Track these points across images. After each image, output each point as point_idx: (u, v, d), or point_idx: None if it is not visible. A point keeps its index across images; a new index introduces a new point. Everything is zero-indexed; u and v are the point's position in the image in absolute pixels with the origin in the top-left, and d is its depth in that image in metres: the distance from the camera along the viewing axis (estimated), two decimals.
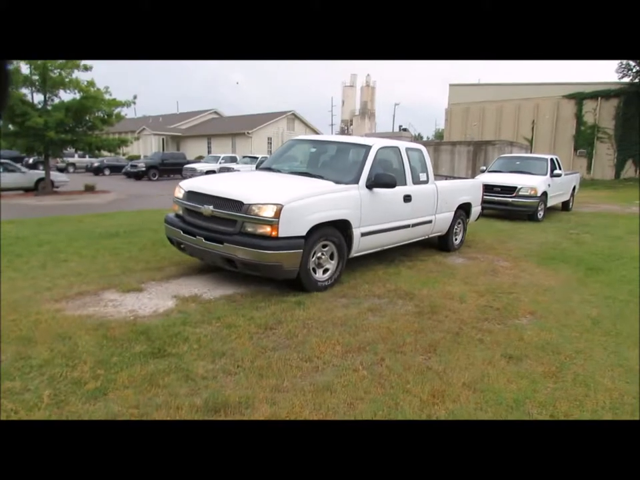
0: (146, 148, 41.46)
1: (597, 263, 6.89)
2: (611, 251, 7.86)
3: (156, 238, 7.27)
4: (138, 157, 36.22)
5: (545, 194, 11.42)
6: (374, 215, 5.51)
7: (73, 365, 3.04)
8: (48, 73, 15.57)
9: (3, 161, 18.13)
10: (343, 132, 59.99)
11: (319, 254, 4.95)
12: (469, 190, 7.96)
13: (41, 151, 17.01)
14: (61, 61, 15.67)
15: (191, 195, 5.13)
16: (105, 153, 20.50)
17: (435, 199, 6.77)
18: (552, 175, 12.01)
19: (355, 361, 3.35)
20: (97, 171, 31.14)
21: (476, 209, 8.11)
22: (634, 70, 25.88)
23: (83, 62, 16.22)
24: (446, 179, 8.48)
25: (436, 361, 3.43)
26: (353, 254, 5.40)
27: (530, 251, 7.69)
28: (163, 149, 41.21)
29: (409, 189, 6.17)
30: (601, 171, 28.24)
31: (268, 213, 4.45)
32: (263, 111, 50.39)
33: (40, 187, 17.33)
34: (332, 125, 64.81)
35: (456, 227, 7.51)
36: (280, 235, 4.44)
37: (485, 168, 13.55)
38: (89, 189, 18.46)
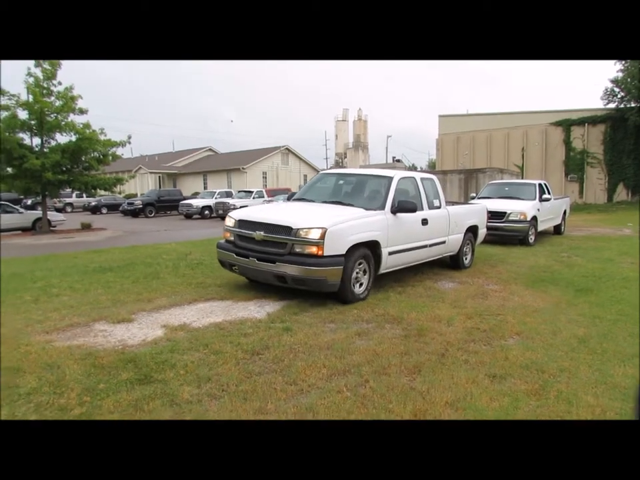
0: (142, 186, 41.98)
1: (587, 284, 6.96)
2: (602, 272, 7.92)
3: (148, 271, 7.36)
4: (135, 195, 36.65)
5: (534, 218, 11.58)
6: (398, 236, 6.33)
7: (60, 392, 3.09)
8: (45, 117, 16.00)
9: (1, 202, 18.44)
10: (337, 165, 60.93)
11: (356, 270, 5.67)
12: (476, 214, 8.85)
13: (38, 191, 17.28)
14: (57, 104, 16.16)
15: (242, 223, 5.98)
16: (101, 192, 20.84)
17: (448, 222, 7.59)
18: (541, 200, 12.20)
19: (340, 383, 3.40)
20: (95, 209, 31.45)
21: (482, 231, 8.94)
22: (618, 96, 26.61)
23: (79, 105, 16.70)
24: (453, 205, 9.04)
25: (420, 382, 3.47)
26: (382, 270, 6.19)
27: (520, 274, 7.77)
28: (160, 187, 41.72)
29: (426, 213, 7.02)
30: (593, 195, 28.64)
31: (314, 235, 5.27)
32: (257, 146, 51.23)
33: (37, 227, 17.53)
34: (327, 158, 65.82)
35: (465, 247, 8.28)
36: (325, 254, 5.26)
37: (474, 195, 13.78)
38: (86, 226, 18.63)
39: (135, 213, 27.18)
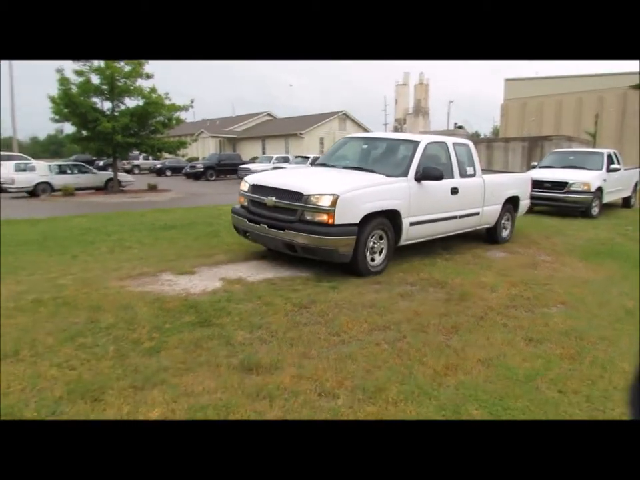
0: (204, 150, 43.27)
1: None
2: None
3: (208, 230, 7.89)
4: (197, 159, 37.93)
5: (599, 189, 11.06)
6: (422, 206, 5.92)
7: (133, 328, 3.59)
8: (115, 83, 16.85)
9: (77, 163, 19.90)
10: (396, 130, 59.54)
11: (373, 241, 5.39)
12: (517, 184, 8.19)
13: (109, 153, 18.46)
14: (126, 69, 16.95)
15: (256, 188, 5.74)
16: (166, 154, 21.85)
17: (482, 192, 7.04)
18: (609, 170, 11.59)
19: (379, 336, 3.66)
20: (160, 172, 33.00)
21: (524, 203, 8.28)
22: None
23: (146, 70, 17.43)
24: (494, 174, 8.63)
25: (456, 340, 3.66)
26: (402, 242, 5.83)
27: (576, 246, 7.59)
28: (220, 151, 42.82)
29: (456, 181, 6.51)
30: None
31: (325, 202, 4.98)
32: (315, 111, 50.99)
33: (109, 187, 18.81)
34: (385, 124, 64.54)
35: (504, 220, 7.73)
36: (336, 222, 4.96)
37: (536, 163, 13.27)
38: (152, 188, 19.76)
39: (196, 176, 28.32)
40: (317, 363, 3.15)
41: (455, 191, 6.42)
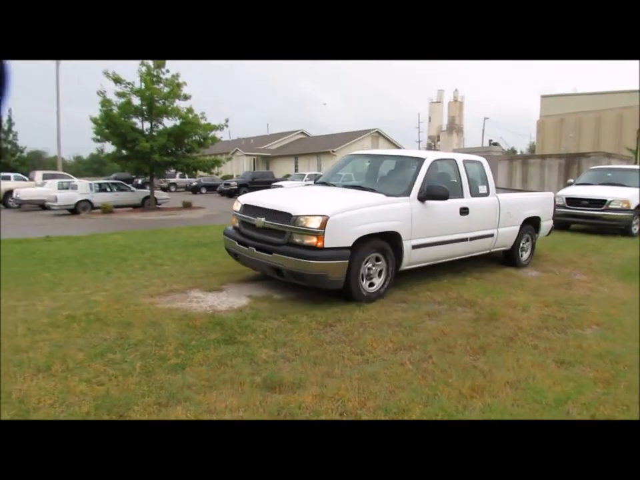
0: (238, 167, 44.21)
1: None
2: None
3: None
4: (231, 177, 38.77)
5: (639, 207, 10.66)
6: (427, 227, 5.53)
7: (160, 345, 3.67)
8: (154, 103, 17.52)
9: (116, 181, 20.72)
10: (429, 148, 59.26)
11: (369, 265, 5.02)
12: (537, 203, 7.69)
13: (147, 172, 19.09)
14: (165, 91, 17.60)
15: (247, 208, 5.47)
16: (201, 173, 22.45)
17: (497, 212, 6.61)
18: None
19: (404, 356, 3.61)
20: (195, 189, 33.89)
21: (546, 224, 7.74)
22: None
23: (183, 92, 18.05)
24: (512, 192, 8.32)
25: (483, 361, 3.57)
26: (404, 266, 5.42)
27: (614, 266, 7.32)
28: (254, 168, 43.63)
29: (466, 201, 6.12)
30: None
31: (314, 224, 4.64)
32: (349, 129, 51.37)
33: (146, 204, 19.42)
34: (419, 141, 64.32)
35: (523, 242, 7.22)
36: (325, 246, 4.60)
37: (572, 181, 12.92)
38: (187, 205, 20.29)
39: (230, 194, 28.89)
40: (339, 382, 3.13)
41: (464, 211, 6.01)
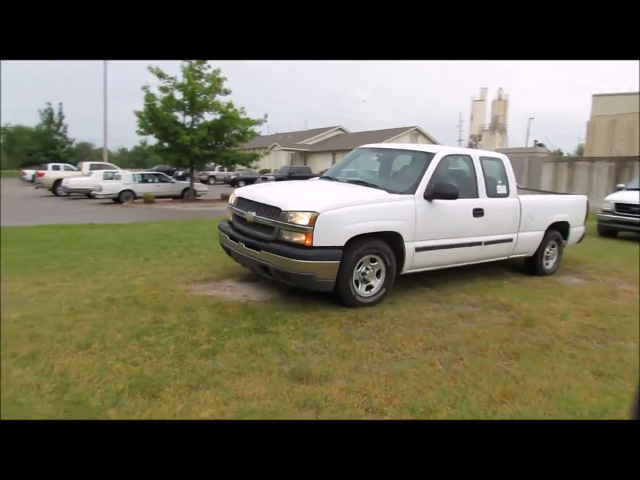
0: (276, 162, 44.65)
1: None
2: None
3: None
4: (269, 171, 39.19)
5: None
6: (433, 228, 5.10)
7: (193, 330, 3.77)
8: (195, 98, 17.87)
9: (158, 173, 21.32)
10: (470, 147, 58.03)
11: (364, 268, 4.65)
12: (567, 207, 7.02)
13: (187, 164, 19.54)
14: (206, 86, 17.93)
15: (240, 201, 5.19)
16: (239, 166, 22.77)
17: (517, 215, 6.07)
18: None
19: (434, 356, 3.56)
20: (233, 182, 34.40)
21: (576, 230, 7.08)
22: None
23: (224, 87, 18.33)
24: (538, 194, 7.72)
25: (516, 367, 3.47)
26: (406, 270, 5.02)
27: None
28: (292, 163, 43.93)
29: (481, 201, 5.61)
30: None
31: (303, 220, 4.31)
32: (388, 126, 50.90)
33: (185, 195, 19.89)
34: (460, 140, 63.05)
35: (547, 249, 6.64)
36: (315, 244, 4.28)
37: (622, 185, 12.36)
38: (225, 197, 20.59)
39: None
40: (367, 377, 3.12)
41: (478, 212, 5.49)
